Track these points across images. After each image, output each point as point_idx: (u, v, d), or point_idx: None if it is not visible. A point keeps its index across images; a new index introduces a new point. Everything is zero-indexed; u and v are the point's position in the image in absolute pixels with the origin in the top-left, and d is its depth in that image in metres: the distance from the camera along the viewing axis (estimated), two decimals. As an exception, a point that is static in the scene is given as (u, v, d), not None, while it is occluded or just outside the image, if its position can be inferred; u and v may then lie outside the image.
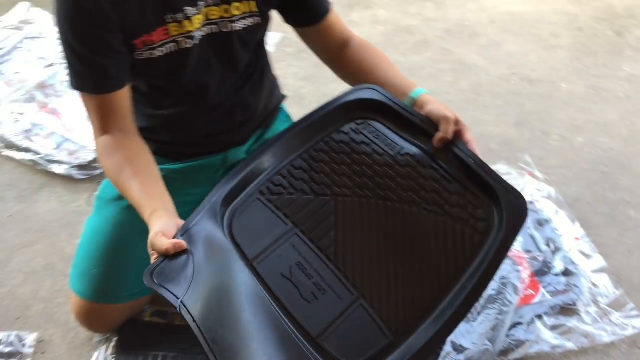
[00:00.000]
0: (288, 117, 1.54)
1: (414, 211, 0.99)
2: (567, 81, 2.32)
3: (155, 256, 0.93)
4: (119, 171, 1.12)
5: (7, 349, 1.41)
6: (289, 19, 1.31)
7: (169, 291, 0.85)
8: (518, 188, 1.73)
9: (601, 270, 1.59)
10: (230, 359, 0.78)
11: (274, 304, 0.86)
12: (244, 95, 1.36)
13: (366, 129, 1.12)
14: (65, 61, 1.13)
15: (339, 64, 1.35)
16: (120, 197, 1.36)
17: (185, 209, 1.40)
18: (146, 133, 1.32)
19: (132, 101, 1.24)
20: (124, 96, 1.17)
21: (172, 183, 1.35)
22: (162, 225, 0.96)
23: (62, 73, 2.17)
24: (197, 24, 1.15)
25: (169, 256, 0.90)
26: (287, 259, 0.94)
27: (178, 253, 0.90)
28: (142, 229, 1.26)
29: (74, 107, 2.05)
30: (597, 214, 1.77)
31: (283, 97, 1.53)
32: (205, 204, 0.99)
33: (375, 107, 1.13)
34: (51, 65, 2.22)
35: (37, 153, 1.88)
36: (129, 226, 1.35)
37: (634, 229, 1.72)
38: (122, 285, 1.36)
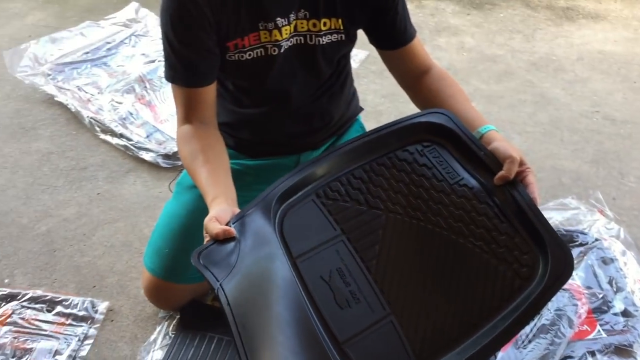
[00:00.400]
0: (362, 128, 1.61)
1: (460, 243, 1.00)
2: (651, 124, 2.27)
3: (207, 239, 1.00)
4: (193, 158, 1.21)
5: (81, 313, 1.54)
6: (374, 40, 1.36)
7: (211, 273, 0.92)
8: (586, 224, 1.74)
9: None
10: (255, 346, 0.83)
11: (307, 303, 0.90)
12: (323, 103, 1.44)
13: (431, 152, 1.14)
14: (163, 54, 1.25)
15: (416, 90, 1.38)
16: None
17: None
18: (227, 128, 1.43)
19: (218, 97, 1.34)
20: (210, 92, 1.27)
21: (245, 177, 1.46)
22: (218, 211, 1.04)
23: (160, 69, 2.34)
24: (285, 34, 1.24)
25: (218, 240, 0.97)
26: (329, 263, 0.97)
27: (227, 239, 0.97)
28: None
29: (167, 101, 2.21)
30: (667, 261, 1.72)
31: (360, 109, 1.60)
32: (261, 197, 1.05)
33: (443, 133, 1.15)
34: (152, 61, 2.40)
35: (129, 139, 2.04)
36: (201, 213, 1.44)
37: None
38: (189, 267, 1.46)
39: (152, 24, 2.66)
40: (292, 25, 1.25)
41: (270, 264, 0.94)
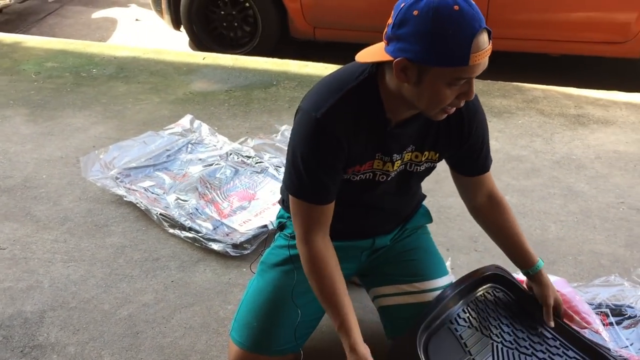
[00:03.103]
0: (427, 211, 1.79)
1: None
2: (674, 213, 2.46)
3: None
4: (321, 289, 1.43)
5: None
6: (452, 165, 1.60)
7: None
8: (632, 299, 1.87)
9: None
10: None
11: None
12: (400, 206, 1.67)
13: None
14: (291, 170, 1.41)
15: (475, 210, 1.66)
16: (280, 264, 1.63)
17: None
18: None
19: None
20: (330, 209, 1.46)
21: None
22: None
23: (219, 172, 2.56)
24: (397, 166, 1.48)
25: None
26: None
27: None
28: (297, 292, 1.58)
29: (229, 199, 2.40)
30: None
31: (424, 197, 1.79)
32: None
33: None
34: (210, 165, 2.63)
35: (198, 232, 2.21)
36: (286, 289, 1.59)
37: None
38: (275, 340, 1.58)
39: (205, 132, 2.92)
40: (402, 159, 1.48)
41: None
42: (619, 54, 3.82)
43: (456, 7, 1.15)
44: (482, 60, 1.20)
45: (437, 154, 1.51)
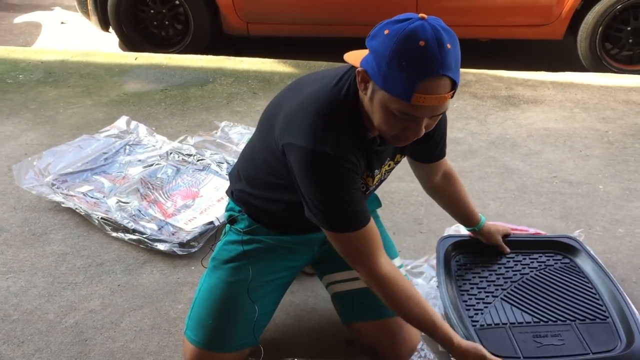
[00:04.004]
0: (376, 196, 1.82)
1: None
2: (603, 183, 2.58)
3: None
4: (411, 311, 1.42)
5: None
6: (412, 155, 1.65)
7: None
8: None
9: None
10: None
11: None
12: None
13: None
14: (325, 211, 1.36)
15: (432, 190, 1.79)
16: (233, 260, 1.62)
17: (289, 271, 1.69)
18: (265, 213, 1.59)
19: (274, 191, 1.52)
20: (374, 225, 1.43)
21: (279, 250, 1.63)
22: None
23: (160, 172, 2.52)
24: (377, 180, 1.51)
25: None
26: None
27: None
28: (251, 287, 1.57)
29: (172, 197, 2.37)
30: (645, 292, 1.95)
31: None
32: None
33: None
34: (150, 165, 2.58)
35: (142, 233, 2.17)
36: (241, 285, 1.58)
37: (680, 305, 1.88)
38: (231, 336, 1.57)
39: (143, 133, 2.86)
40: (382, 172, 1.51)
41: None
42: (543, 36, 3.98)
43: (422, 43, 1.13)
44: (427, 103, 1.16)
45: (403, 155, 1.57)
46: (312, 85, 1.40)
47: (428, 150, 1.61)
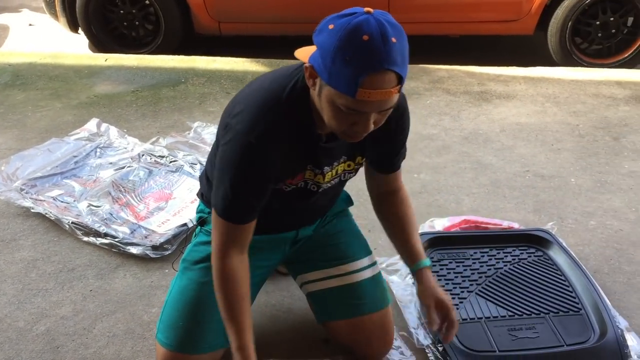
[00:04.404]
0: (347, 195, 1.81)
1: None
2: (574, 176, 2.61)
3: None
4: (227, 306, 1.39)
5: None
6: (373, 164, 1.58)
7: None
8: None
9: (626, 329, 1.76)
10: None
11: None
12: (329, 204, 1.67)
13: None
14: (219, 188, 1.36)
15: (378, 202, 1.66)
16: (203, 260, 1.60)
17: (260, 271, 1.68)
18: None
19: None
20: (252, 226, 1.42)
21: (249, 250, 1.60)
22: None
23: (132, 174, 2.49)
24: (328, 178, 1.47)
25: None
26: None
27: None
28: None
29: (145, 200, 2.33)
30: (616, 283, 1.97)
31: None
32: None
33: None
34: (121, 168, 2.54)
35: (114, 237, 2.13)
36: (210, 285, 1.56)
37: (651, 294, 1.91)
38: (202, 338, 1.55)
39: (114, 135, 2.82)
40: (335, 170, 1.47)
41: None
42: (514, 32, 4.02)
43: (365, 37, 1.11)
44: (373, 98, 1.14)
45: (364, 158, 1.52)
46: (264, 82, 1.39)
47: (386, 156, 1.55)
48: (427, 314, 1.49)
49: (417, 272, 1.54)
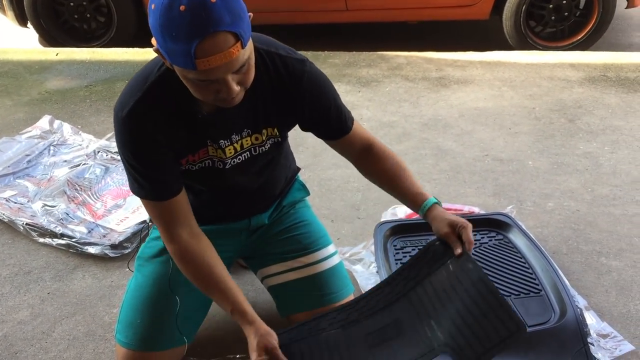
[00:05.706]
0: (302, 185, 1.79)
1: None
2: (532, 159, 2.65)
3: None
4: (201, 282, 1.40)
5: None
6: (319, 135, 1.55)
7: None
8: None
9: (585, 308, 1.80)
10: None
11: None
12: (266, 181, 1.61)
13: None
14: (127, 173, 1.37)
15: (362, 167, 1.60)
16: (156, 255, 1.57)
17: None
18: None
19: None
20: (182, 199, 1.40)
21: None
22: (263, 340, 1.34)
23: (87, 172, 2.42)
24: (230, 153, 1.42)
25: None
26: None
27: None
28: (178, 281, 1.52)
29: (102, 198, 2.28)
30: (574, 263, 2.01)
31: (298, 169, 1.79)
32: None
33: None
34: (77, 165, 2.47)
35: (71, 237, 2.08)
36: (166, 279, 1.54)
37: (607, 273, 1.96)
38: (161, 334, 1.52)
39: (67, 132, 2.75)
40: (238, 144, 1.42)
41: None
42: (470, 16, 4.05)
43: (182, 8, 1.06)
44: (214, 64, 1.11)
45: (276, 129, 1.46)
46: (144, 67, 1.38)
47: (322, 124, 1.51)
48: (450, 242, 1.43)
49: (426, 215, 1.48)
